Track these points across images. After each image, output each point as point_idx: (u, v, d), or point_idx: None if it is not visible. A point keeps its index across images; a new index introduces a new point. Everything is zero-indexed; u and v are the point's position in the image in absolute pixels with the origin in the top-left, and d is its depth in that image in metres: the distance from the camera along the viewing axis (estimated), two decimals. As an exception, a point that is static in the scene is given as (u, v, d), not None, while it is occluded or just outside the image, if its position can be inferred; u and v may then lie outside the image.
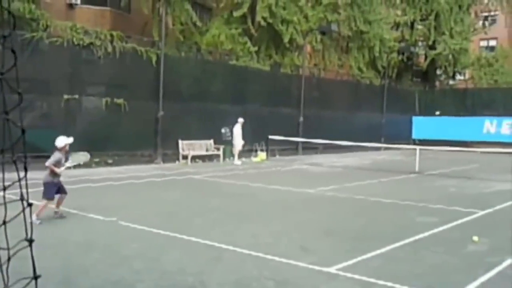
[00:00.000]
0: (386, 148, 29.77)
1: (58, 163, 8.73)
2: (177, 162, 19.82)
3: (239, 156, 20.99)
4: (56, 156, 8.75)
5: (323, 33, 27.71)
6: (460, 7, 35.75)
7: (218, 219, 9.16)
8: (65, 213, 9.12)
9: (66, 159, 8.99)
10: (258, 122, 23.42)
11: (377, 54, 31.83)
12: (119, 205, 10.24)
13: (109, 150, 17.92)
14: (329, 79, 29.82)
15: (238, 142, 20.67)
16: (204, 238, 7.55)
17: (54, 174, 8.71)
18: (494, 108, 32.92)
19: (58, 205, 8.96)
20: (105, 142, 17.74)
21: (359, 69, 31.79)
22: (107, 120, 18.06)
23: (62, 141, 8.81)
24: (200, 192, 12.71)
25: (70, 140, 8.89)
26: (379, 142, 29.31)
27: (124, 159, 18.29)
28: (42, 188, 8.63)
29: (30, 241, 1.90)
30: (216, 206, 10.53)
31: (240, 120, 20.72)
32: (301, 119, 26.08)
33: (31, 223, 1.96)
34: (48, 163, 8.68)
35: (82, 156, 9.41)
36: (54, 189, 8.76)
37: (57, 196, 8.86)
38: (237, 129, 20.67)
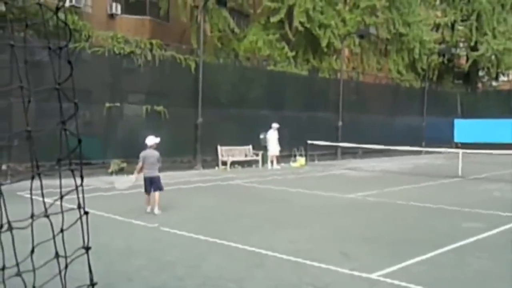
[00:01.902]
0: (427, 152, 29.22)
1: (144, 159, 10.01)
2: (216, 168, 19.97)
3: (278, 162, 21.03)
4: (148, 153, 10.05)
5: (361, 36, 27.46)
6: (503, 6, 34.81)
7: (257, 225, 9.20)
8: (107, 219, 9.35)
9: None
10: (297, 127, 23.44)
11: (416, 56, 31.35)
12: (160, 212, 10.42)
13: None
14: (367, 83, 29.57)
15: (273, 148, 20.72)
16: (243, 244, 7.60)
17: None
18: (541, 109, 32.07)
19: (148, 201, 10.16)
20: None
21: (399, 72, 31.39)
22: (147, 127, 18.31)
23: (152, 140, 10.16)
24: (239, 197, 12.79)
25: (157, 140, 10.19)
26: (420, 146, 28.80)
27: (164, 166, 18.49)
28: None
29: (87, 249, 1.95)
30: (255, 212, 10.57)
31: (275, 125, 20.77)
32: (340, 123, 25.93)
33: (83, 229, 2.05)
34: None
35: (127, 182, 10.60)
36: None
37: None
38: (271, 135, 20.73)
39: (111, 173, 16.38)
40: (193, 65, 19.53)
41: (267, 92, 22.62)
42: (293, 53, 24.98)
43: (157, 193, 10.06)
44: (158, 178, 10.15)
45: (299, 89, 24.33)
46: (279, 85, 23.37)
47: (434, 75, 34.51)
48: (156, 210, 10.00)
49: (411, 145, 23.57)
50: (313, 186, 14.89)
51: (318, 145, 23.05)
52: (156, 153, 10.14)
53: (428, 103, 32.24)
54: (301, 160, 22.36)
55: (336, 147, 25.27)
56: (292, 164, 22.10)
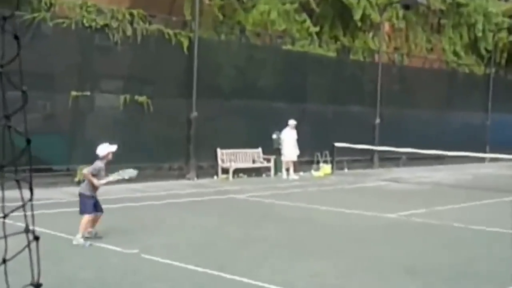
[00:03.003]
0: (492, 159, 29.10)
1: (98, 174, 9.56)
2: (215, 177, 20.02)
3: (296, 170, 21.12)
4: (96, 165, 9.61)
5: (406, 7, 27.34)
6: None
7: (268, 252, 9.21)
8: (72, 242, 9.36)
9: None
10: (321, 125, 23.50)
11: (479, 34, 31.19)
12: (141, 233, 10.44)
13: (128, 161, 18.08)
14: (414, 68, 29.53)
15: (289, 152, 20.79)
16: (250, 277, 7.60)
17: (92, 186, 9.60)
18: None
19: (93, 224, 9.75)
20: (123, 151, 17.97)
21: (455, 53, 31.26)
22: (125, 123, 18.42)
23: (105, 149, 9.69)
24: (244, 216, 12.82)
25: (113, 148, 9.75)
26: (483, 151, 28.65)
27: (148, 174, 18.53)
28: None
29: (37, 286, 1.92)
30: (265, 235, 10.59)
31: (292, 122, 20.84)
32: (378, 120, 25.91)
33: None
34: (86, 170, 9.64)
35: (131, 173, 10.11)
36: (91, 202, 9.63)
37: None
38: (287, 135, 20.83)
39: (78, 183, 16.39)
40: (186, 43, 19.54)
41: (282, 79, 22.61)
42: (317, 29, 24.92)
43: (86, 217, 9.58)
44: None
45: (324, 75, 24.34)
46: (298, 70, 23.37)
47: (503, 59, 34.30)
48: (78, 238, 9.42)
49: (471, 150, 23.54)
50: (341, 202, 14.92)
51: (349, 149, 22.98)
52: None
53: (494, 94, 32.11)
54: (326, 168, 22.42)
55: (372, 151, 25.31)
56: (314, 173, 22.16)
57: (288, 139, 20.80)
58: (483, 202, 15.90)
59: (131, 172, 10.10)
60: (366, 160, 25.64)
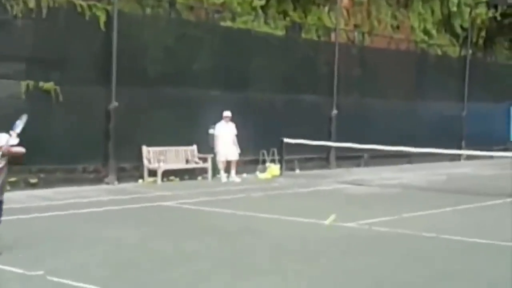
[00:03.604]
0: (469, 157, 29.68)
1: None
2: (140, 181, 19.96)
3: (237, 172, 21.20)
4: None
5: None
6: None
7: (204, 272, 9.11)
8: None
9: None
10: (267, 117, 23.63)
11: (454, 9, 31.74)
12: (48, 251, 10.22)
13: (32, 163, 17.86)
14: (377, 49, 29.86)
15: (224, 149, 20.81)
16: (182, 303, 7.52)
17: None
18: None
19: None
20: (26, 150, 17.68)
21: (426, 32, 31.69)
22: (28, 116, 18.00)
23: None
24: (175, 228, 12.72)
25: (13, 140, 9.77)
26: (458, 147, 29.25)
27: (56, 178, 18.31)
28: None
29: None
30: (201, 251, 10.50)
31: (227, 114, 20.84)
32: (335, 112, 26.20)
33: None
34: None
35: (20, 123, 10.24)
36: None
37: None
38: (222, 130, 20.87)
39: None
40: (103, 17, 19.29)
41: (221, 62, 22.61)
42: (262, 2, 24.93)
43: None
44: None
45: (271, 57, 24.41)
46: (240, 51, 23.38)
47: (481, 38, 34.93)
48: None
49: (444, 146, 23.90)
50: (292, 210, 14.99)
51: (301, 146, 23.21)
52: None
53: (471, 80, 32.80)
54: (273, 169, 22.61)
55: (329, 148, 25.60)
56: (260, 175, 22.32)
57: (223, 135, 20.77)
58: (458, 207, 16.12)
59: (20, 122, 10.17)
60: (321, 158, 25.95)
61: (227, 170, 21.05)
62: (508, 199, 17.62)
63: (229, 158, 20.95)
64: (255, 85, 23.82)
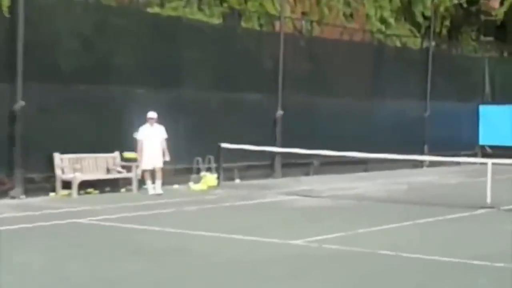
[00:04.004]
0: (432, 163, 29.94)
1: None
2: (51, 194, 19.63)
3: (167, 182, 21.12)
4: None
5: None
6: None
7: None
8: None
9: None
10: (203, 118, 23.57)
11: (414, -5, 32.12)
12: None
13: None
14: (328, 40, 30.04)
15: (147, 157, 20.50)
16: None
17: None
18: None
19: None
20: None
21: (383, 21, 31.97)
22: None
23: None
24: (93, 249, 12.50)
25: None
26: (421, 152, 29.48)
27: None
28: None
29: None
30: (123, 276, 10.33)
31: (151, 115, 20.52)
32: (280, 112, 26.18)
33: None
34: None
35: None
36: None
37: None
38: (146, 133, 20.55)
39: None
40: (6, 1, 19.17)
41: (147, 55, 22.39)
42: (196, -15, 24.93)
43: None
44: None
45: (206, 49, 24.27)
46: (170, 42, 23.26)
47: (445, 28, 35.34)
48: None
49: (405, 151, 23.87)
50: (230, 226, 14.92)
51: (241, 152, 23.15)
52: None
53: (435, 76, 33.18)
54: (209, 179, 22.48)
55: (273, 155, 25.62)
56: (194, 186, 22.14)
57: (148, 140, 20.52)
58: (420, 221, 16.18)
59: None
60: (265, 166, 25.96)
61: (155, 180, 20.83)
62: (477, 211, 17.83)
63: (154, 166, 20.57)
64: (188, 82, 23.61)
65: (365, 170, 28.77)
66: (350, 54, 30.27)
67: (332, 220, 16.33)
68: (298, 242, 13.08)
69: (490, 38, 39.04)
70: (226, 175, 23.57)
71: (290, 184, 24.06)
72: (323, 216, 17.17)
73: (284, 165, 26.26)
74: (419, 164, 30.64)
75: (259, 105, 25.85)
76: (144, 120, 20.66)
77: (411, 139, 30.61)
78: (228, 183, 23.22)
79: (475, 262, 11.46)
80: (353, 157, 24.36)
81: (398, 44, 32.84)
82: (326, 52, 29.31)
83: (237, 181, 24.21)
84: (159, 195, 20.09)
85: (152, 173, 20.68)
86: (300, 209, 18.47)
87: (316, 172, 27.24)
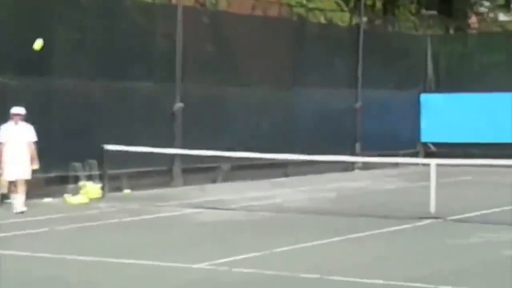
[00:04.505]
0: (366, 165, 30.11)
1: None
2: None
3: (31, 195, 20.62)
4: None
5: None
6: None
7: None
8: None
9: None
10: (80, 114, 23.46)
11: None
12: None
13: None
14: (238, 16, 30.13)
15: (10, 162, 20.05)
16: None
17: None
18: None
19: None
20: None
21: (303, -6, 32.14)
22: None
23: None
24: None
25: None
26: (351, 152, 29.66)
27: None
28: None
29: None
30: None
31: (16, 111, 20.17)
32: (179, 105, 26.02)
33: None
34: None
35: None
36: None
37: None
38: (9, 133, 20.17)
39: None
40: None
41: (8, 35, 22.23)
42: None
43: None
44: None
45: (83, 27, 24.27)
46: (37, 18, 23.09)
47: (379, 1, 35.65)
48: None
49: (333, 151, 24.30)
50: (119, 248, 14.76)
51: (131, 155, 22.96)
52: None
53: (367, 60, 33.47)
54: (91, 189, 22.39)
55: (172, 158, 25.51)
56: (71, 199, 21.89)
57: (11, 142, 20.07)
58: (351, 236, 16.10)
59: None
60: (162, 172, 25.88)
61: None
62: (419, 223, 17.90)
63: (17, 177, 20.18)
64: (61, 68, 23.32)
65: (285, 175, 28.92)
66: (264, 33, 30.37)
67: (245, 238, 16.22)
68: (203, 265, 12.85)
69: (433, 12, 39.97)
70: (112, 184, 23.68)
71: (193, 194, 24.06)
72: (234, 233, 17.10)
73: (185, 171, 26.17)
74: (350, 167, 30.96)
75: (153, 96, 25.79)
76: (4, 117, 20.26)
77: (340, 136, 30.95)
78: (115, 195, 23.20)
79: (417, 285, 11.50)
80: (270, 160, 24.64)
81: (322, 20, 32.97)
82: (235, 30, 29.42)
83: (127, 191, 24.00)
84: (21, 213, 19.62)
85: (11, 186, 20.42)
86: (205, 225, 18.43)
87: (226, 179, 27.24)
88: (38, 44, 9.03)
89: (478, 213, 19.37)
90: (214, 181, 26.90)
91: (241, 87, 28.32)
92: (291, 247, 14.74)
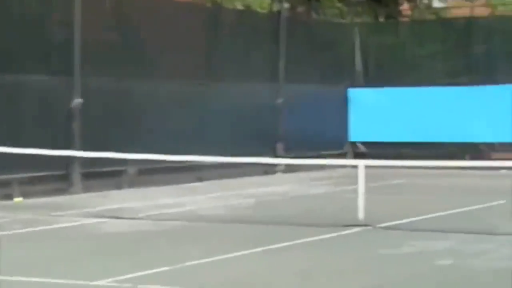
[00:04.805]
0: (289, 168, 30.17)
1: None
2: None
3: None
4: None
5: None
6: None
7: None
8: None
9: None
10: None
11: None
12: None
13: None
14: (144, 0, 30.02)
15: None
16: None
17: None
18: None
19: None
20: None
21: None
22: None
23: None
24: None
25: None
26: (273, 153, 29.70)
27: None
28: None
29: None
30: None
31: None
32: (78, 101, 25.72)
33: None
34: None
35: None
36: None
37: None
38: None
39: None
40: None
41: None
42: None
43: None
44: None
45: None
46: None
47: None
48: None
49: (252, 152, 24.37)
50: (8, 263, 13.92)
51: (22, 158, 22.57)
52: None
53: (290, 50, 33.57)
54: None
55: (70, 161, 25.30)
56: None
57: None
58: (273, 247, 15.96)
59: None
60: (58, 178, 25.59)
61: None
62: (346, 231, 17.93)
63: None
64: None
65: (199, 180, 28.86)
66: (173, 19, 30.36)
67: (152, 250, 15.95)
68: (104, 282, 12.41)
69: (361, -1, 39.82)
70: (1, 191, 23.25)
71: (95, 201, 23.78)
72: (141, 245, 16.84)
73: (85, 176, 25.92)
74: (271, 170, 30.99)
75: (47, 91, 25.43)
76: None
77: (260, 136, 30.96)
78: (4, 203, 22.85)
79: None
80: (182, 162, 24.67)
81: (239, 6, 32.93)
82: (141, 16, 29.32)
83: (18, 199, 23.68)
84: None
85: None
86: (108, 237, 18.22)
87: (132, 184, 27.10)
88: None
89: (411, 219, 19.45)
90: (119, 187, 26.71)
91: (149, 81, 28.14)
92: (204, 260, 14.51)
